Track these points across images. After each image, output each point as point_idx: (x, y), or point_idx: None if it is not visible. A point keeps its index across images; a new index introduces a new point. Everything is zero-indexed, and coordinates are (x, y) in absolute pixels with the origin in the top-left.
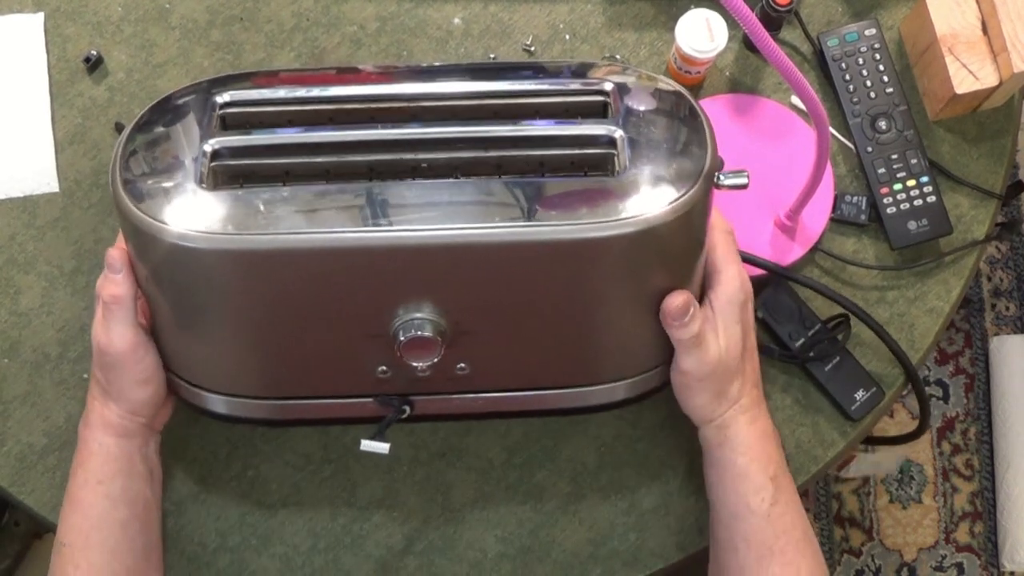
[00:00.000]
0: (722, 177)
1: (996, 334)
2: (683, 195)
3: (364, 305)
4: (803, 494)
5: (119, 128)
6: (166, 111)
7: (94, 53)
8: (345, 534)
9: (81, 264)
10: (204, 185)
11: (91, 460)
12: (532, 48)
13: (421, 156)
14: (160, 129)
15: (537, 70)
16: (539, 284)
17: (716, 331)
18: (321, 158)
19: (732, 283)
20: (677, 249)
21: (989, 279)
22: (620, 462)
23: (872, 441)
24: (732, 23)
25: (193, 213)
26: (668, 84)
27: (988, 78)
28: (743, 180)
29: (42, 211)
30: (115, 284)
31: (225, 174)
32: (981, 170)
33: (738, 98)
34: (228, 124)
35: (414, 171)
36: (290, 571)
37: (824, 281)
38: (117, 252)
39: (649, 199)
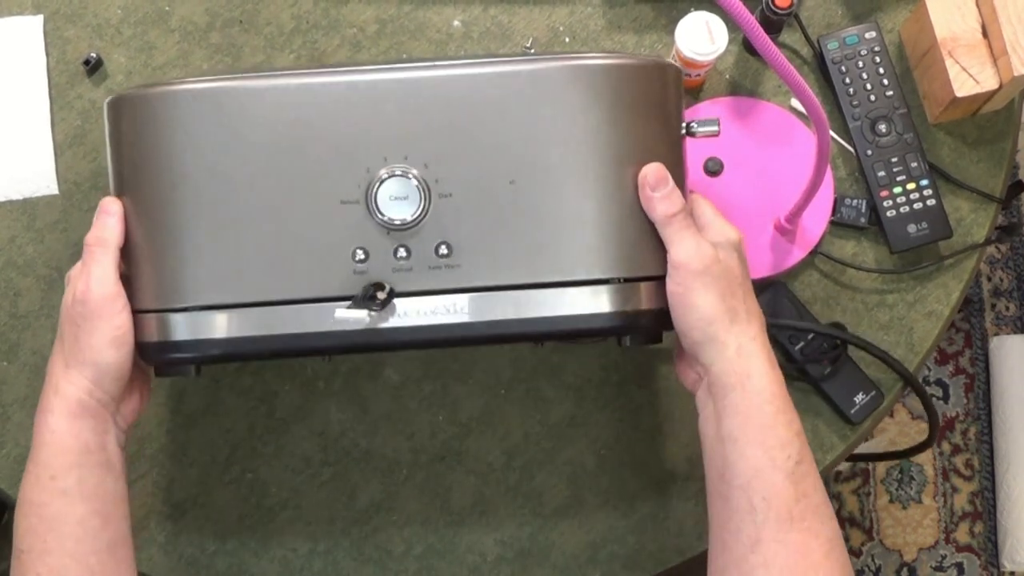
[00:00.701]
0: (695, 125)
1: (996, 334)
2: (646, 60)
3: (337, 160)
4: None
5: None
6: None
7: (94, 55)
8: (344, 537)
9: None
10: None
11: (42, 452)
12: (532, 51)
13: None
14: None
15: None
16: (513, 127)
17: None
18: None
19: (719, 226)
20: (646, 118)
21: (989, 279)
22: (619, 465)
23: (880, 457)
24: (732, 26)
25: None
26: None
27: (988, 81)
28: (714, 128)
29: (41, 213)
30: (105, 228)
31: None
32: (981, 173)
33: (738, 101)
34: None
35: None
36: (289, 574)
37: (823, 285)
38: (111, 198)
39: (614, 55)
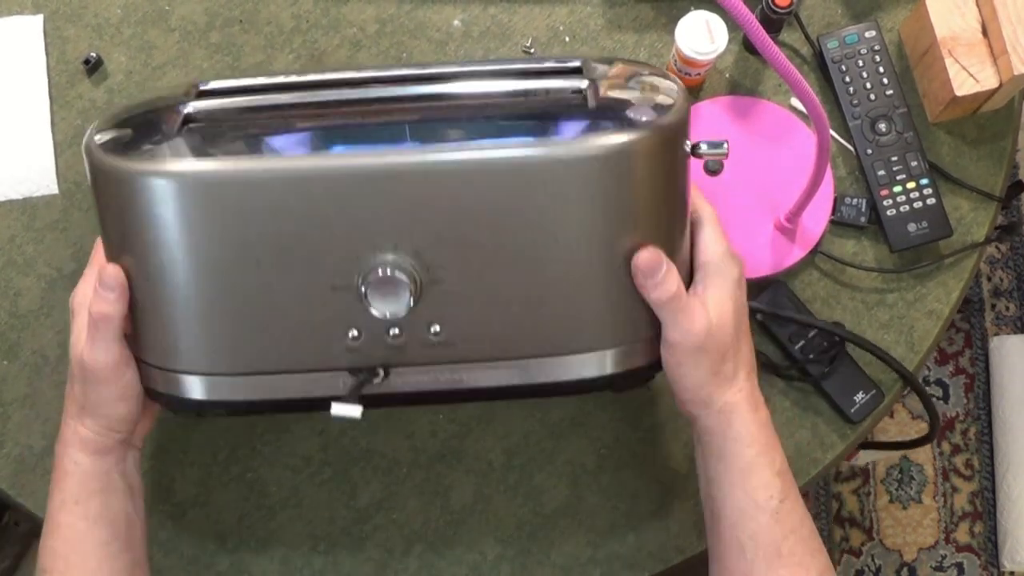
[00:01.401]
0: (703, 145)
1: (996, 334)
2: (650, 128)
3: (328, 247)
4: (803, 495)
5: None
6: (142, 104)
7: (93, 55)
8: (344, 536)
9: (81, 266)
10: (177, 133)
11: (66, 480)
12: (532, 50)
13: (391, 108)
14: (136, 111)
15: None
16: (505, 214)
17: (704, 304)
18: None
19: (718, 255)
20: (646, 191)
21: (989, 279)
22: (620, 464)
23: (879, 446)
24: (732, 25)
25: (163, 152)
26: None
27: (988, 80)
28: (723, 150)
29: (41, 213)
30: (107, 303)
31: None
32: (981, 172)
33: (738, 100)
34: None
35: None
36: (289, 573)
37: (823, 284)
38: (114, 269)
39: (614, 130)
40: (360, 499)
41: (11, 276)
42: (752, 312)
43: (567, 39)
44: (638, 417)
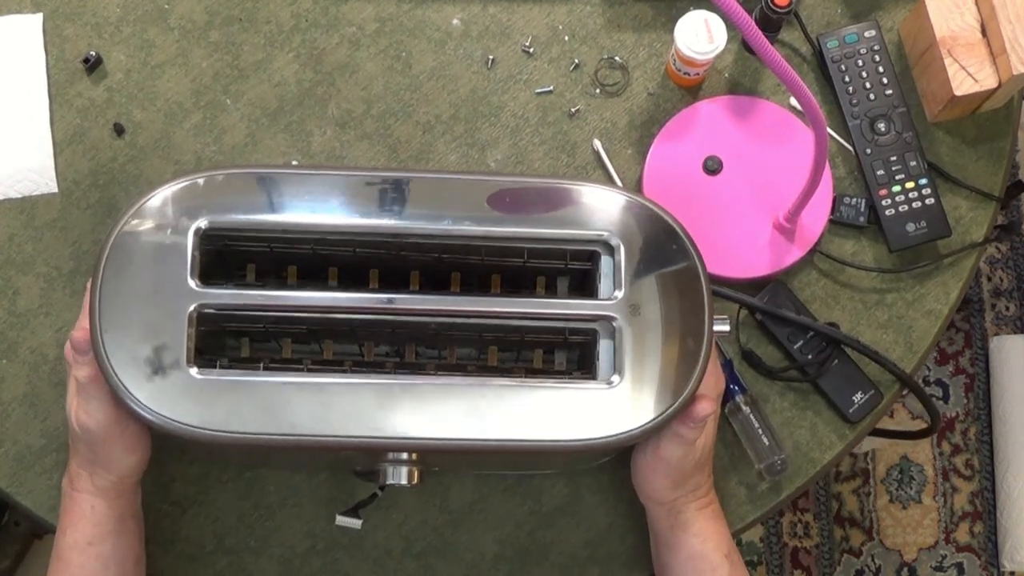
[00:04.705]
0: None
1: (996, 334)
2: (666, 411)
3: (353, 456)
4: (802, 495)
5: (117, 129)
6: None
7: (93, 54)
8: (343, 536)
9: (80, 265)
10: (191, 365)
11: (81, 521)
12: (531, 49)
13: (401, 319)
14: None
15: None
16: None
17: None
18: (303, 313)
19: (719, 385)
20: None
21: (989, 279)
22: (618, 464)
23: (880, 434)
24: (731, 24)
25: (186, 402)
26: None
27: (987, 80)
28: (725, 328)
29: (41, 212)
30: (87, 365)
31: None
32: (980, 172)
33: (737, 100)
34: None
35: (392, 334)
36: (288, 573)
37: (822, 283)
38: (81, 335)
39: (631, 412)
40: (359, 498)
41: (10, 275)
42: (751, 311)
43: (566, 38)
44: None
